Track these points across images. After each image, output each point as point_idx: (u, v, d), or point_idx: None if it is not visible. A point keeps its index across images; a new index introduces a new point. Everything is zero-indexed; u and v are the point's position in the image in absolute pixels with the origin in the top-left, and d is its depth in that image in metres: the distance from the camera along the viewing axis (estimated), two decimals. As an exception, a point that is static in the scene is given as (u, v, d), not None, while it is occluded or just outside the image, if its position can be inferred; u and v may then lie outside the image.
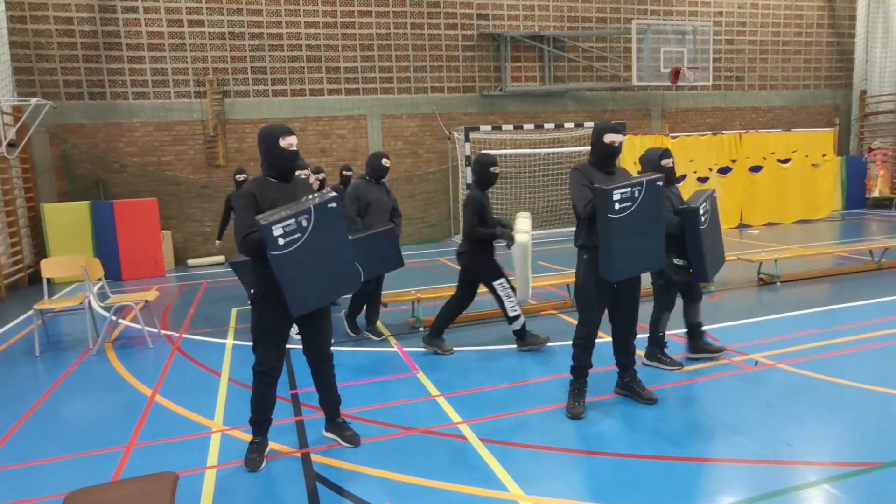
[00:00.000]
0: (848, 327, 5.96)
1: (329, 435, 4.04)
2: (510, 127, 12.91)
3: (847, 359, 5.14)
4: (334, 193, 3.52)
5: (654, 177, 3.90)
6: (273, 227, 3.28)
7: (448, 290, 7.43)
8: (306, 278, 3.42)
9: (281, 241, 3.30)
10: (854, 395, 4.42)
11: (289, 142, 3.62)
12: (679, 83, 13.45)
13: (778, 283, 7.86)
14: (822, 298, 7.16)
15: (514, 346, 5.76)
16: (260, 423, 3.81)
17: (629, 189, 3.78)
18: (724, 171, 13.37)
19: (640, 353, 4.72)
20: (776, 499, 3.16)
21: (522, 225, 5.50)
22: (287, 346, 3.83)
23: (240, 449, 3.88)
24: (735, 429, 3.97)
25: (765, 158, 13.69)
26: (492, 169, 5.37)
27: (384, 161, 6.16)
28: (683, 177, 13.11)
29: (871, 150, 15.85)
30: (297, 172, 6.96)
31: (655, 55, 13.19)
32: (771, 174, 13.71)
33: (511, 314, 5.53)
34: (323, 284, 3.51)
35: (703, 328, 5.24)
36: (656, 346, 5.10)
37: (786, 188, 13.80)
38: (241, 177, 8.55)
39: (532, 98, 13.82)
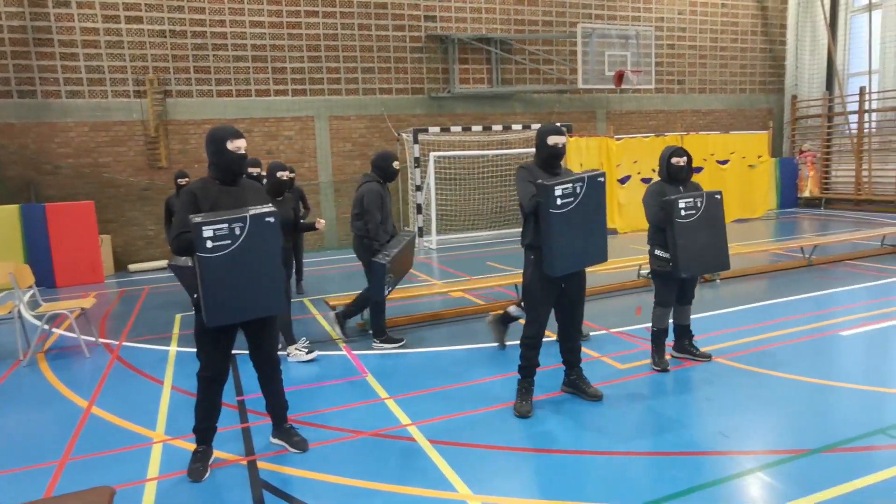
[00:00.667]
0: (782, 321, 6.23)
1: (276, 441, 3.97)
2: (458, 128, 12.97)
3: (781, 351, 5.37)
4: (274, 209, 3.45)
5: (594, 173, 3.99)
6: (203, 228, 3.22)
7: (401, 290, 7.39)
8: (227, 289, 3.32)
9: (209, 244, 3.23)
10: (787, 386, 4.63)
11: (237, 145, 3.55)
12: (623, 86, 13.78)
13: (718, 281, 8.15)
14: (758, 294, 7.46)
15: (463, 346, 5.80)
16: (204, 430, 3.72)
17: (571, 185, 3.86)
18: (666, 172, 13.76)
19: (587, 351, 4.81)
20: (715, 488, 3.28)
21: None
22: (233, 351, 3.75)
23: (183, 459, 3.77)
24: (676, 422, 4.10)
25: (705, 160, 14.16)
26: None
27: (395, 164, 5.81)
28: (628, 178, 13.45)
29: (801, 152, 16.62)
30: (251, 170, 6.85)
31: (600, 59, 13.48)
32: (711, 175, 14.19)
33: (515, 304, 5.64)
34: (243, 300, 3.39)
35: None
36: (654, 340, 5.08)
37: (724, 188, 14.26)
38: (182, 181, 8.32)
39: (480, 100, 13.93)
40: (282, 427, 3.97)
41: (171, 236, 3.47)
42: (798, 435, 3.83)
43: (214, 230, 3.23)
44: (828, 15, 15.91)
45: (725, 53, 16.59)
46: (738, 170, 14.50)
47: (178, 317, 7.56)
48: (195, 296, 3.51)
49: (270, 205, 3.51)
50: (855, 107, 15.52)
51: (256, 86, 12.20)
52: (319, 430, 4.19)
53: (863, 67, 15.49)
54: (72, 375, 5.59)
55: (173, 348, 6.28)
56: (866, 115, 15.30)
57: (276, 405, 3.93)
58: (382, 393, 4.81)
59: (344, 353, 5.88)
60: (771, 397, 4.45)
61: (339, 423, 4.29)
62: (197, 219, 3.24)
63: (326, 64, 12.69)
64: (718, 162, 14.35)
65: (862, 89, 15.23)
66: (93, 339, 6.57)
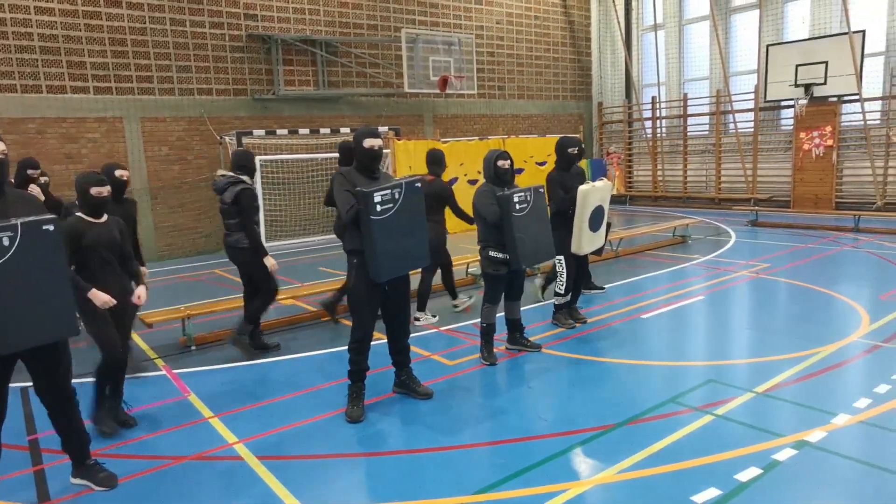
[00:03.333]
0: (596, 308, 6.81)
1: (78, 481, 3.53)
2: (285, 131, 12.57)
3: (596, 337, 5.87)
4: (52, 216, 3.01)
5: (412, 179, 4.06)
6: None
7: (224, 303, 6.96)
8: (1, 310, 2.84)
9: None
10: (600, 369, 5.06)
11: None
12: (447, 91, 14.25)
13: (537, 276, 8.71)
14: (573, 285, 8.08)
15: (293, 356, 5.62)
16: (-20, 482, 3.20)
17: (389, 191, 3.88)
18: (491, 173, 14.46)
19: (416, 350, 4.87)
20: (537, 469, 3.48)
21: (598, 183, 5.95)
22: (21, 383, 3.26)
23: (-45, 516, 3.22)
24: (503, 411, 4.30)
25: (525, 161, 15.11)
26: (570, 150, 5.94)
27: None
28: (455, 179, 13.92)
29: (608, 153, 18.38)
30: (31, 172, 5.96)
31: (425, 64, 13.80)
32: (531, 175, 15.15)
33: (558, 290, 6.12)
34: (20, 325, 2.91)
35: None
36: (484, 336, 5.29)
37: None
38: (33, 173, 7.05)
39: (307, 102, 13.62)
40: (83, 464, 3.54)
41: None
42: (607, 412, 4.20)
43: None
44: (623, 31, 17.76)
45: (540, 63, 17.84)
46: (555, 171, 15.66)
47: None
48: None
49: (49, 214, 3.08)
50: (649, 114, 17.50)
51: (48, 81, 10.83)
52: (132, 460, 3.81)
53: (653, 79, 17.50)
54: None
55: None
56: (658, 122, 17.33)
57: (75, 442, 3.48)
58: (206, 412, 4.50)
59: (163, 372, 5.41)
60: (586, 380, 4.84)
61: (155, 451, 3.93)
62: None
63: (135, 61, 11.62)
64: (537, 163, 15.38)
65: (653, 98, 17.22)
66: None
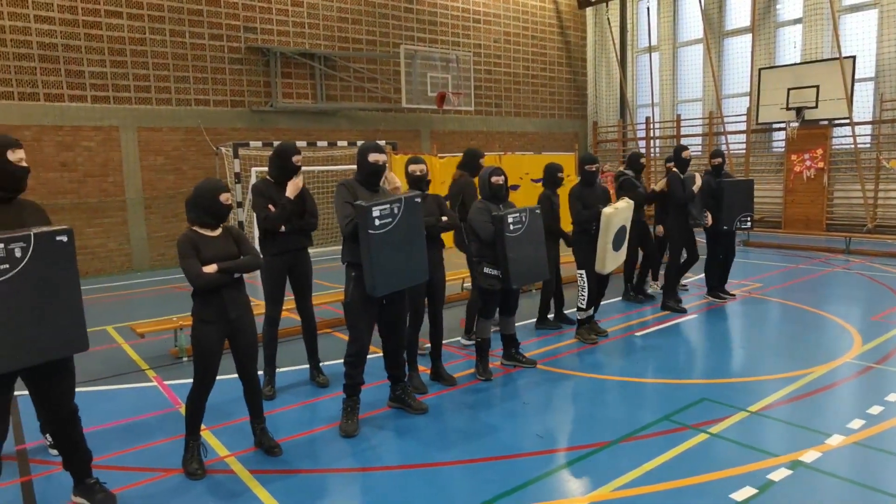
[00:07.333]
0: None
1: (78, 499, 3.44)
2: (283, 144, 12.59)
3: (591, 353, 5.88)
4: (68, 228, 2.94)
5: (412, 194, 4.07)
6: None
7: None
8: (3, 329, 2.72)
9: None
10: (596, 385, 5.06)
11: (19, 156, 3.10)
12: (445, 107, 14.35)
13: (533, 290, 8.73)
14: (567, 302, 8.07)
15: (286, 368, 5.60)
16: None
17: (388, 206, 3.89)
18: (486, 189, 14.51)
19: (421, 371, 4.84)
20: (529, 488, 3.47)
21: (620, 203, 6.03)
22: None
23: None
24: (498, 428, 4.29)
25: (521, 178, 15.19)
26: (586, 167, 6.12)
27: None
28: (452, 195, 13.96)
29: (603, 172, 18.50)
30: None
31: (423, 80, 13.92)
32: (526, 192, 15.22)
33: (580, 305, 6.16)
34: (34, 337, 2.80)
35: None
36: (478, 351, 5.28)
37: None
38: None
39: (304, 115, 13.68)
40: (84, 483, 3.43)
41: None
42: (602, 429, 4.19)
43: None
44: (618, 53, 17.98)
45: (536, 81, 18.01)
46: (549, 188, 15.75)
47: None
48: None
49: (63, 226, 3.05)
50: (643, 134, 17.66)
51: (46, 89, 10.84)
52: (124, 472, 3.77)
53: (648, 100, 17.69)
54: None
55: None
56: (652, 142, 17.49)
57: (76, 460, 3.39)
58: (198, 425, 4.45)
59: (154, 384, 5.37)
60: (581, 397, 4.84)
61: (147, 463, 3.89)
62: None
63: (133, 70, 11.66)
64: (533, 180, 15.45)
65: (647, 119, 17.40)
66: None
